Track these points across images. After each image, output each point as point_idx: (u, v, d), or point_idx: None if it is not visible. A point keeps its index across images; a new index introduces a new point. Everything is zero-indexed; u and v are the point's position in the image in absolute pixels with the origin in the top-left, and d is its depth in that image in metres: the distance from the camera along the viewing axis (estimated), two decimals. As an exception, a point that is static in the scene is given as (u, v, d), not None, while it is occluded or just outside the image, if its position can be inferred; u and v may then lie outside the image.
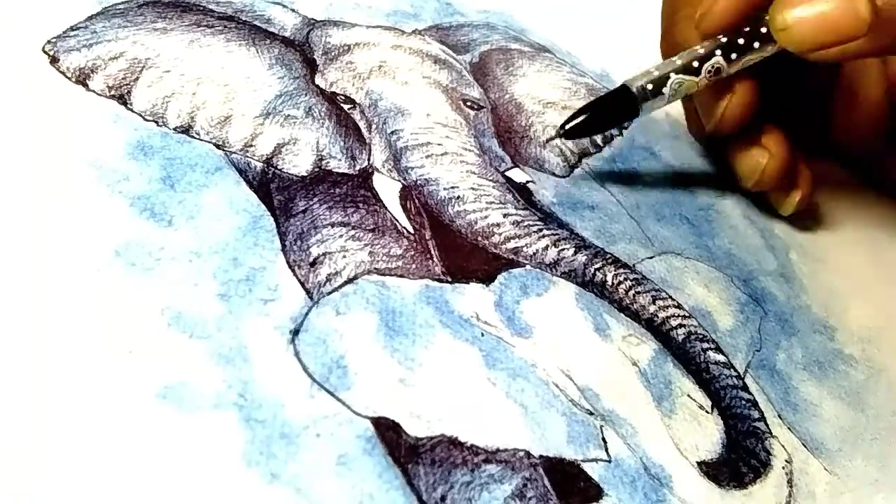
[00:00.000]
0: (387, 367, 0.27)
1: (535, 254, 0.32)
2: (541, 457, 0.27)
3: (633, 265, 0.34)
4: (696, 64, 0.35)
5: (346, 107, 0.35)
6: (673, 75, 0.35)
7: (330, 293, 0.28)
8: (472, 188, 0.33)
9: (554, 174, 0.37)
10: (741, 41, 0.35)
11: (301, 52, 0.37)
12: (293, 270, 0.29)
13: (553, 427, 0.28)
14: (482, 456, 0.26)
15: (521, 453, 0.26)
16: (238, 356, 0.26)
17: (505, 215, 0.33)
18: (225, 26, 0.36)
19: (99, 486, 0.22)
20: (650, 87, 0.35)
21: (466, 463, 0.26)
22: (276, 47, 0.36)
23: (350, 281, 0.29)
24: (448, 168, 0.34)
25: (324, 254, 0.30)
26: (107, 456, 0.22)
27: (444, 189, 0.33)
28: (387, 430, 0.25)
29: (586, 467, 0.27)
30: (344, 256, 0.30)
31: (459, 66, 0.39)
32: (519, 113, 0.39)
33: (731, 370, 0.32)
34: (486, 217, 0.33)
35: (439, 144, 0.34)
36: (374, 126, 0.35)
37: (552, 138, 0.37)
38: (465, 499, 0.25)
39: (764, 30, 0.35)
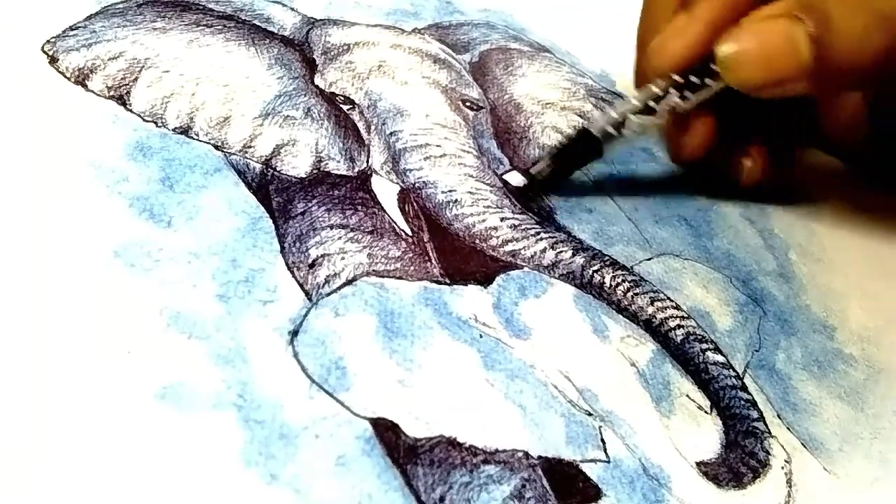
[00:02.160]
0: (385, 369, 0.27)
1: (532, 256, 0.32)
2: (539, 457, 0.27)
3: (632, 267, 0.34)
4: (652, 104, 0.36)
5: (345, 107, 0.35)
6: (632, 116, 0.36)
7: (329, 294, 0.28)
8: (470, 192, 0.33)
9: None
10: (694, 79, 0.36)
11: (300, 51, 0.37)
12: (292, 272, 0.29)
13: (552, 428, 0.28)
14: (481, 457, 0.26)
15: (520, 454, 0.26)
16: (237, 357, 0.26)
17: (502, 218, 0.33)
18: (224, 26, 0.36)
19: (98, 487, 0.22)
20: (611, 130, 0.36)
21: (465, 463, 0.26)
22: (275, 47, 0.36)
23: (349, 282, 0.29)
24: (446, 171, 0.34)
25: (322, 255, 0.30)
26: (106, 456, 0.23)
27: (442, 192, 0.33)
28: (386, 431, 0.25)
29: (585, 468, 0.27)
30: (343, 258, 0.30)
31: (459, 66, 0.39)
32: (518, 113, 0.39)
33: (730, 370, 0.32)
34: (483, 220, 0.33)
35: (438, 146, 0.34)
36: (373, 127, 0.35)
37: (525, 191, 0.36)
38: (464, 499, 0.25)
39: (714, 66, 0.35)
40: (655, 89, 0.36)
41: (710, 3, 0.36)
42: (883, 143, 0.42)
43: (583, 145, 0.36)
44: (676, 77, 0.36)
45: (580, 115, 0.40)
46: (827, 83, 0.33)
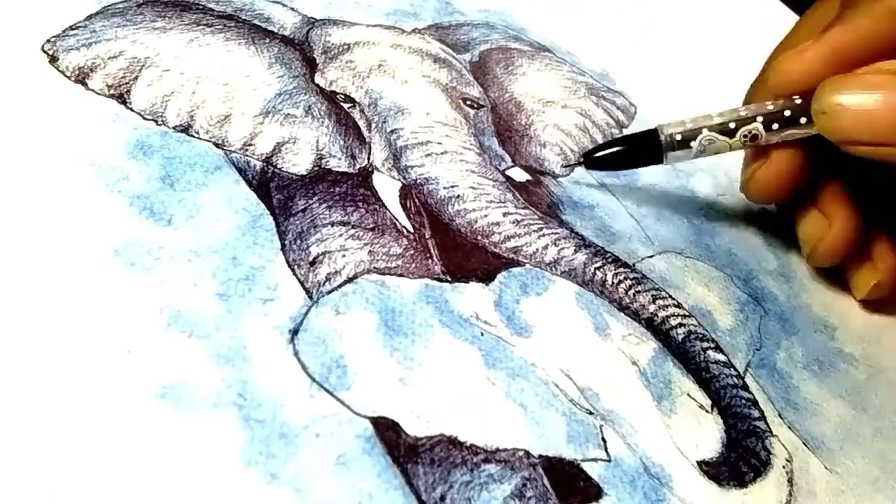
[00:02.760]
0: (386, 367, 0.27)
1: (534, 253, 0.32)
2: (540, 456, 0.27)
3: (633, 264, 0.34)
4: (732, 125, 0.34)
5: (345, 106, 0.35)
6: (705, 131, 0.34)
7: (329, 292, 0.28)
8: (472, 187, 0.33)
9: (554, 173, 0.37)
10: (787, 113, 0.33)
11: (300, 50, 0.37)
12: (293, 270, 0.29)
13: (553, 426, 0.27)
14: (481, 455, 0.26)
15: (521, 453, 0.26)
16: (237, 356, 0.25)
17: (504, 214, 0.33)
18: (224, 25, 0.36)
19: (98, 486, 0.22)
20: (679, 137, 0.35)
21: (466, 462, 0.26)
22: (275, 46, 0.36)
23: (349, 280, 0.29)
24: (448, 167, 0.34)
25: (323, 253, 0.29)
26: (106, 455, 0.22)
27: (444, 188, 0.33)
28: (386, 430, 0.25)
29: (586, 467, 0.27)
30: (343, 255, 0.30)
31: (459, 65, 0.39)
32: (519, 112, 0.39)
33: (731, 369, 0.32)
34: (485, 216, 0.32)
35: (439, 143, 0.34)
36: (373, 125, 0.35)
37: (573, 165, 0.37)
38: (465, 498, 0.25)
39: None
40: (743, 111, 0.34)
41: (845, 31, 0.32)
42: None
43: (647, 144, 0.35)
44: (789, 101, 0.34)
45: (581, 114, 0.40)
46: None
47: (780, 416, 0.32)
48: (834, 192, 0.36)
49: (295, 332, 0.27)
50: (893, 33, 0.31)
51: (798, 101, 0.33)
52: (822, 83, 0.32)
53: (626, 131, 0.41)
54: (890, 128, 0.30)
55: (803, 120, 0.33)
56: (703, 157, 0.35)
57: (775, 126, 0.34)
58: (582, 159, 0.36)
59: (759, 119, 0.34)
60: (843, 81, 0.31)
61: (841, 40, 0.32)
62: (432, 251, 0.31)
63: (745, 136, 0.34)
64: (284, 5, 0.39)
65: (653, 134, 0.35)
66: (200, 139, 0.31)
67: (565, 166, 0.37)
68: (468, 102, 0.37)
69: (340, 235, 0.30)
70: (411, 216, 0.32)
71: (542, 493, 0.26)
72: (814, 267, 0.38)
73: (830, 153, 0.33)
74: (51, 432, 0.23)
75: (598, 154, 0.36)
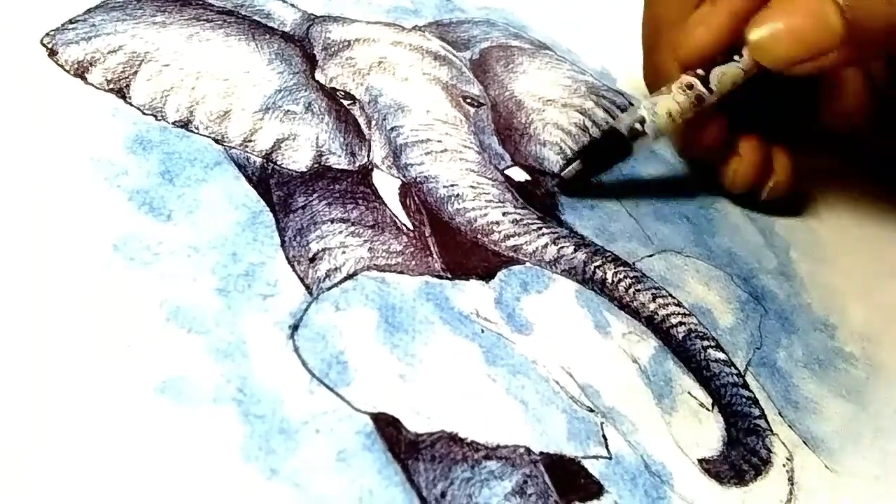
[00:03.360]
0: (386, 363, 0.27)
1: (534, 252, 0.32)
2: (541, 453, 0.27)
3: (633, 263, 0.34)
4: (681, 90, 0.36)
5: (345, 102, 0.35)
6: (658, 101, 0.36)
7: (329, 289, 0.28)
8: (472, 186, 0.33)
9: (553, 172, 0.37)
10: (718, 71, 0.36)
11: (301, 47, 0.36)
12: (292, 266, 0.28)
13: (553, 424, 0.27)
14: (482, 452, 0.26)
15: (522, 450, 0.26)
16: (237, 351, 0.25)
17: (504, 213, 0.33)
18: (224, 21, 0.36)
19: (97, 481, 0.22)
20: (638, 126, 0.36)
21: (467, 459, 0.25)
22: (275, 42, 0.36)
23: (349, 277, 0.29)
24: (447, 165, 0.34)
25: (323, 249, 0.29)
26: (105, 450, 0.22)
27: (444, 187, 0.33)
28: (386, 426, 0.25)
29: (587, 464, 0.27)
30: (343, 252, 0.30)
31: (459, 63, 0.39)
32: (519, 110, 0.39)
33: (732, 368, 0.32)
34: (485, 215, 0.32)
35: (439, 141, 0.34)
36: (373, 122, 0.35)
37: (555, 191, 0.36)
38: (466, 495, 0.25)
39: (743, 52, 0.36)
40: (678, 83, 0.36)
41: None
42: (887, 130, 0.42)
43: (611, 144, 0.36)
44: (700, 71, 0.36)
45: (581, 112, 0.40)
46: (860, 49, 0.34)
47: (780, 414, 0.32)
48: (745, 135, 0.40)
49: (295, 328, 0.27)
50: None
51: (720, 59, 0.36)
52: (750, 22, 0.35)
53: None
54: (820, 38, 0.33)
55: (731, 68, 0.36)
56: (661, 134, 0.36)
57: (713, 86, 0.36)
58: (559, 181, 0.36)
59: (698, 82, 0.36)
60: (761, 17, 0.35)
61: (733, 3, 0.36)
62: (432, 249, 0.31)
63: (680, 87, 0.36)
64: (285, 1, 0.39)
65: (612, 133, 0.36)
66: (200, 134, 0.31)
67: (558, 190, 0.36)
68: (468, 100, 0.37)
69: (340, 232, 0.30)
70: (411, 214, 0.32)
71: (542, 489, 0.26)
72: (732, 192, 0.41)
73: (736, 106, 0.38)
74: (50, 427, 0.22)
75: (571, 171, 0.36)
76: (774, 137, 0.40)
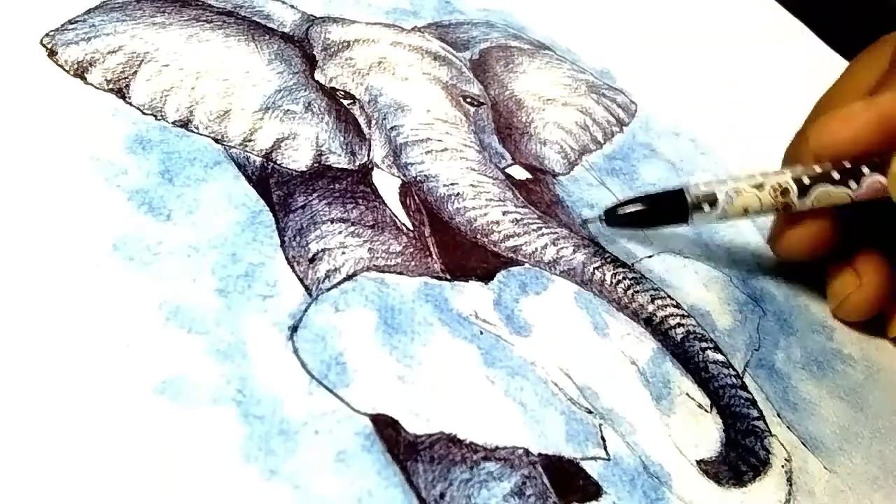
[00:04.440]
0: (386, 365, 0.27)
1: (534, 252, 0.32)
2: (540, 455, 0.27)
3: (632, 264, 0.34)
4: (761, 180, 0.33)
5: (345, 102, 0.35)
6: (730, 182, 0.33)
7: (329, 290, 0.28)
8: (472, 185, 0.33)
9: (554, 171, 0.37)
10: (818, 170, 0.32)
11: (300, 47, 0.36)
12: (292, 266, 0.28)
13: (552, 425, 0.27)
14: (481, 453, 0.26)
15: (521, 451, 0.26)
16: (236, 352, 0.25)
17: (504, 213, 0.33)
18: (224, 21, 0.36)
19: (97, 481, 0.22)
20: (707, 204, 0.33)
21: (465, 460, 0.25)
22: (275, 42, 0.36)
23: (349, 278, 0.29)
24: (448, 164, 0.34)
25: (323, 250, 0.29)
26: (105, 450, 0.22)
27: (444, 186, 0.33)
28: (386, 428, 0.25)
29: (585, 465, 0.27)
30: (343, 253, 0.30)
31: (459, 63, 0.39)
32: (519, 109, 0.39)
33: (730, 369, 0.32)
34: (485, 214, 0.32)
35: (439, 140, 0.34)
36: (373, 122, 0.35)
37: (591, 220, 0.34)
38: (464, 496, 0.25)
39: (866, 170, 0.32)
40: (774, 178, 0.33)
41: (894, 96, 0.31)
42: None
43: (673, 203, 0.33)
44: (822, 166, 0.32)
45: (581, 111, 0.40)
46: None
47: (778, 415, 0.32)
48: (865, 252, 0.35)
49: (294, 329, 0.27)
50: None
51: (824, 167, 0.32)
52: None
53: (626, 129, 0.41)
54: None
55: (836, 176, 0.32)
56: (727, 218, 0.33)
57: (806, 181, 0.32)
58: (603, 215, 0.33)
59: (793, 183, 0.32)
60: None
61: (891, 107, 0.31)
62: (432, 249, 0.31)
63: (774, 188, 0.32)
64: (284, 2, 0.39)
65: (678, 194, 0.33)
66: (200, 134, 0.31)
67: (586, 222, 0.35)
68: (468, 100, 0.37)
69: (340, 232, 0.30)
70: (411, 214, 0.32)
71: (541, 491, 0.26)
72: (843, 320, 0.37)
73: (865, 218, 0.33)
74: (49, 426, 0.22)
75: (621, 212, 0.33)
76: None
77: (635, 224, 0.34)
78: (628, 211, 0.33)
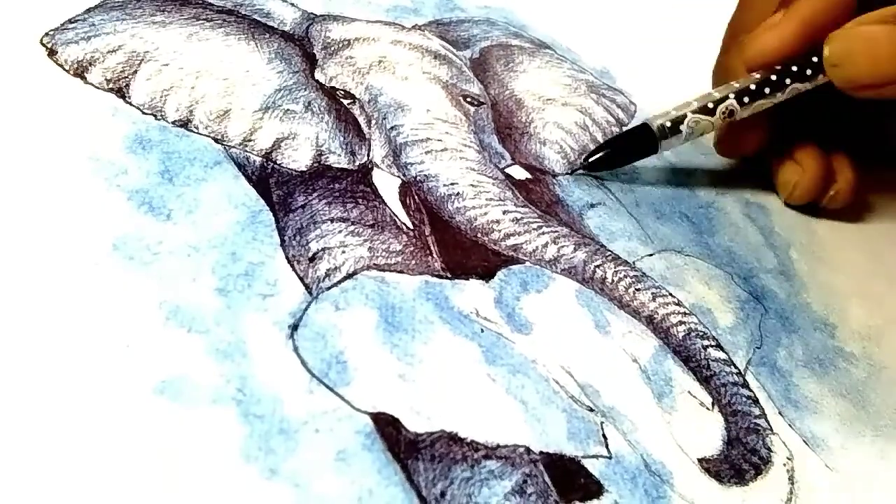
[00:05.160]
0: (386, 363, 0.27)
1: (534, 251, 0.32)
2: (541, 453, 0.26)
3: (633, 262, 0.34)
4: (711, 105, 0.37)
5: (345, 102, 0.35)
6: (689, 115, 0.37)
7: (329, 288, 0.28)
8: (472, 185, 0.33)
9: (554, 171, 0.37)
10: (754, 86, 0.37)
11: (300, 46, 0.36)
12: (292, 265, 0.28)
13: (553, 423, 0.27)
14: (482, 452, 0.26)
15: (522, 449, 0.26)
16: (237, 351, 0.25)
17: (504, 212, 0.33)
18: (224, 20, 0.36)
19: (96, 481, 0.22)
20: (668, 125, 0.37)
21: (466, 459, 0.25)
22: (275, 41, 0.36)
23: (349, 276, 0.29)
24: (448, 164, 0.33)
25: (323, 249, 0.29)
26: (104, 450, 0.22)
27: (444, 185, 0.33)
28: (386, 426, 0.25)
29: (587, 463, 0.27)
30: (343, 252, 0.30)
31: (459, 62, 0.39)
32: (519, 109, 0.39)
33: (732, 367, 0.32)
34: (485, 214, 0.32)
35: (439, 140, 0.34)
36: (373, 121, 0.34)
37: (575, 170, 0.37)
38: (465, 494, 0.25)
39: (794, 68, 0.37)
40: (714, 93, 0.37)
41: (810, 4, 0.36)
42: None
43: (640, 138, 0.37)
44: (756, 75, 0.37)
45: (581, 111, 0.40)
46: None
47: (780, 414, 0.32)
48: (804, 144, 0.41)
49: (295, 328, 0.27)
50: (847, 1, 0.36)
51: (757, 76, 0.37)
52: (829, 37, 0.36)
53: (625, 129, 0.41)
54: (887, 67, 0.34)
55: (767, 90, 0.37)
56: (691, 139, 0.38)
57: (746, 100, 0.37)
58: (585, 163, 0.37)
59: (732, 96, 0.37)
60: (839, 35, 0.35)
61: (808, 12, 0.36)
62: (432, 248, 0.31)
63: (723, 112, 0.37)
64: (284, 1, 0.39)
65: (643, 127, 0.37)
66: (200, 134, 0.31)
67: (569, 172, 0.37)
68: (468, 99, 0.37)
69: (340, 232, 0.30)
70: (411, 213, 0.32)
71: (542, 489, 0.26)
72: (791, 206, 0.42)
73: (793, 113, 0.39)
74: (49, 426, 0.22)
75: (595, 157, 0.37)
76: (836, 144, 0.40)
77: (612, 165, 0.38)
78: (604, 153, 0.37)
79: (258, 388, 0.25)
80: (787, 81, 0.37)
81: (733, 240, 0.38)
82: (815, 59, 0.37)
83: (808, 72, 0.37)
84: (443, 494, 0.24)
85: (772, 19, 0.37)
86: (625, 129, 0.40)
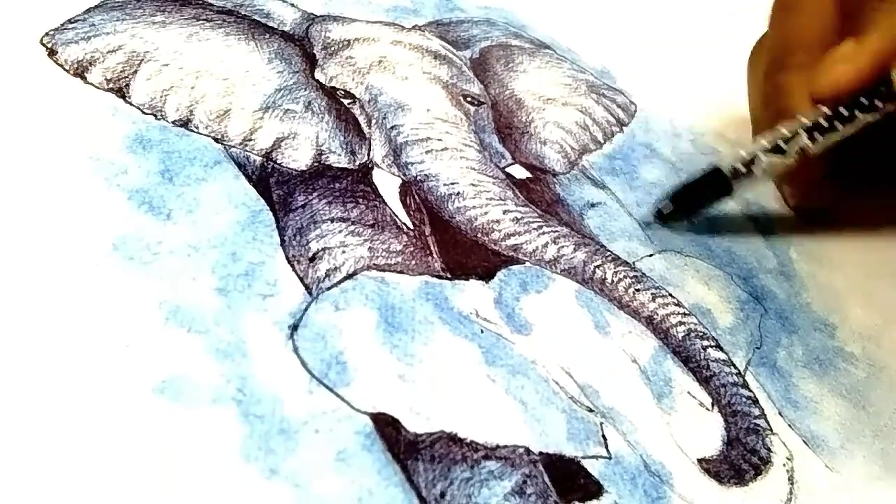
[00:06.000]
0: (386, 363, 0.27)
1: (534, 251, 0.32)
2: (541, 453, 0.27)
3: (633, 263, 0.34)
4: (782, 143, 0.36)
5: (345, 102, 0.35)
6: (761, 155, 0.36)
7: (329, 289, 0.28)
8: (472, 184, 0.33)
9: (554, 171, 0.37)
10: (822, 121, 0.36)
11: (300, 46, 0.36)
12: (292, 265, 0.28)
13: (553, 424, 0.27)
14: (482, 452, 0.26)
15: (521, 450, 0.26)
16: (236, 351, 0.25)
17: (505, 212, 0.33)
18: (224, 20, 0.36)
19: (96, 480, 0.22)
20: (741, 167, 0.36)
21: (466, 459, 0.25)
22: (275, 42, 0.36)
23: (349, 276, 0.29)
24: (448, 164, 0.33)
25: (323, 249, 0.29)
26: (104, 450, 0.22)
27: (444, 185, 0.33)
28: (386, 426, 0.25)
29: (586, 464, 0.27)
30: (343, 252, 0.30)
31: (459, 62, 0.39)
32: (519, 109, 0.39)
33: (731, 367, 0.32)
34: (485, 213, 0.32)
35: (439, 140, 0.34)
36: (373, 121, 0.34)
37: (649, 223, 0.37)
38: (465, 495, 0.25)
39: (863, 100, 0.35)
40: (784, 130, 0.36)
41: (881, 35, 0.35)
42: None
43: (712, 183, 0.37)
44: (824, 109, 0.35)
45: (581, 111, 0.40)
46: None
47: (780, 414, 0.32)
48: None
49: (294, 328, 0.27)
50: None
51: (825, 110, 0.35)
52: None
53: (625, 129, 0.41)
54: None
55: (839, 124, 0.35)
56: (766, 179, 0.37)
57: (817, 135, 0.35)
58: (656, 218, 0.37)
59: (803, 132, 0.36)
60: None
61: (883, 44, 0.35)
62: (432, 248, 0.31)
63: (797, 152, 0.36)
64: (284, 1, 0.39)
65: (716, 171, 0.36)
66: (200, 134, 0.31)
67: (646, 223, 0.37)
68: (468, 99, 0.37)
69: (340, 232, 0.30)
70: (411, 213, 0.32)
71: (542, 489, 0.26)
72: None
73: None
74: (49, 426, 0.22)
75: (670, 209, 0.37)
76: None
77: (687, 214, 0.37)
78: (669, 209, 0.37)
79: (258, 388, 0.25)
80: (857, 113, 0.35)
81: (733, 240, 0.38)
82: (882, 88, 0.35)
83: (877, 102, 0.35)
84: (442, 495, 0.24)
85: (843, 50, 0.35)
86: (632, 129, 0.39)
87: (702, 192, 0.37)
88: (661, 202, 0.37)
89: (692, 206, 0.37)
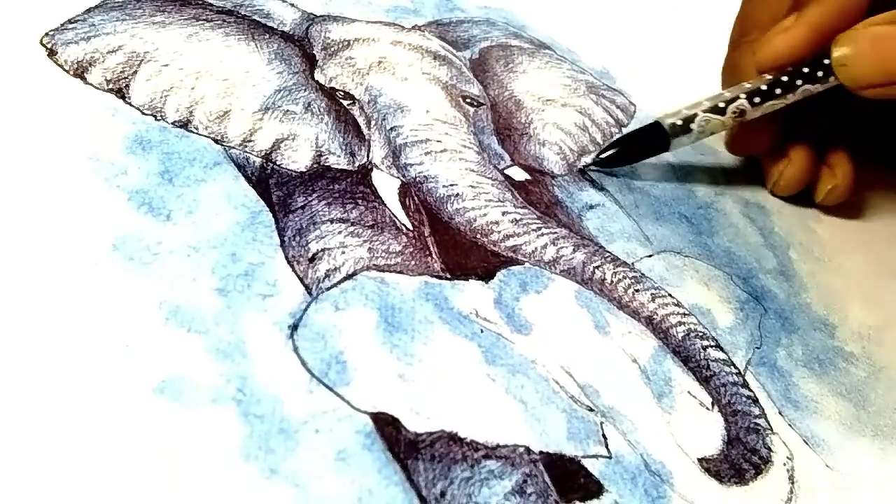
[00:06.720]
0: (386, 363, 0.27)
1: (533, 252, 0.32)
2: (541, 453, 0.27)
3: (633, 263, 0.34)
4: (722, 105, 0.38)
5: (345, 102, 0.35)
6: (701, 114, 0.38)
7: (329, 289, 0.28)
8: (471, 186, 0.33)
9: (553, 172, 0.37)
10: (765, 87, 0.38)
11: (300, 47, 0.36)
12: (292, 266, 0.28)
13: (553, 423, 0.27)
14: (482, 452, 0.26)
15: (521, 449, 0.26)
16: (236, 351, 0.25)
17: (504, 213, 0.33)
18: (224, 20, 0.36)
19: (96, 481, 0.22)
20: (680, 123, 0.38)
21: (466, 459, 0.25)
22: (275, 42, 0.36)
23: (349, 277, 0.29)
24: (447, 165, 0.33)
25: (323, 249, 0.29)
26: (104, 450, 0.22)
27: (443, 186, 0.33)
28: (386, 426, 0.25)
29: (587, 463, 0.27)
30: (343, 252, 0.30)
31: (459, 63, 0.39)
32: (518, 110, 0.39)
33: (731, 367, 0.32)
34: (484, 215, 0.32)
35: (438, 141, 0.34)
36: (373, 122, 0.34)
37: (587, 166, 0.38)
38: (465, 494, 0.25)
39: (805, 70, 0.38)
40: (726, 93, 0.38)
41: (821, 9, 0.37)
42: None
43: (652, 136, 0.38)
44: (767, 76, 0.38)
45: (581, 112, 0.40)
46: None
47: (780, 413, 0.32)
48: (796, 138, 0.41)
49: (294, 328, 0.27)
50: (859, 5, 0.37)
51: (769, 77, 0.38)
52: (837, 38, 0.36)
53: (625, 130, 0.41)
54: (894, 68, 0.35)
55: (779, 91, 0.38)
56: (702, 137, 0.39)
57: (757, 100, 0.38)
58: (593, 160, 0.38)
59: (744, 96, 0.38)
60: (847, 37, 0.36)
61: (819, 17, 0.37)
62: (432, 249, 0.31)
63: (734, 112, 0.38)
64: (284, 1, 0.39)
65: (655, 125, 0.38)
66: (199, 134, 0.31)
67: (580, 169, 0.38)
68: (468, 100, 0.37)
69: (340, 232, 0.30)
70: (410, 214, 0.32)
71: (542, 489, 0.26)
72: (780, 198, 0.43)
73: (802, 114, 0.40)
74: (49, 426, 0.22)
75: (607, 153, 0.38)
76: (836, 142, 0.41)
77: (622, 162, 0.39)
78: (616, 151, 0.38)
79: (258, 388, 0.25)
80: (798, 83, 0.38)
81: (732, 240, 0.38)
82: (825, 61, 0.37)
83: (819, 74, 0.37)
84: (443, 494, 0.24)
85: (784, 23, 0.38)
86: (633, 128, 0.40)
87: (641, 143, 0.38)
88: (603, 153, 0.38)
89: (631, 155, 0.39)
